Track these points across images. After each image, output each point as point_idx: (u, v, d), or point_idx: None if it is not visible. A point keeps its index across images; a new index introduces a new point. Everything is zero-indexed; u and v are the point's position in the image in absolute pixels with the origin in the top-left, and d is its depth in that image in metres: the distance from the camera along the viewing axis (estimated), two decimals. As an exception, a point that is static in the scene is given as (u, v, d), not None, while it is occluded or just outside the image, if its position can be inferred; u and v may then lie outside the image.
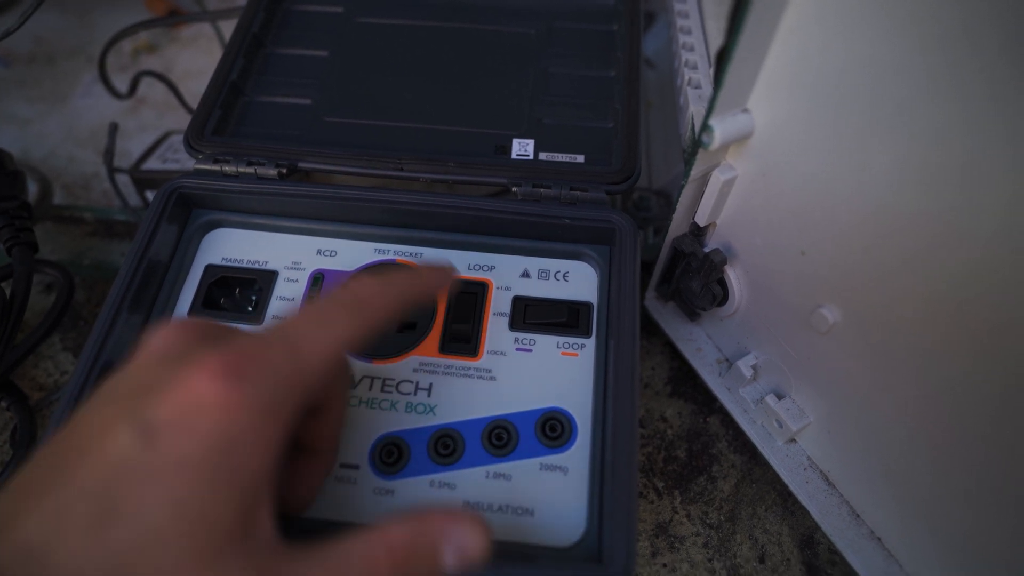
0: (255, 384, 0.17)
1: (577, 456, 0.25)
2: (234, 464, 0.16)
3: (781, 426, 0.28)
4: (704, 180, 0.27)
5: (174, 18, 0.47)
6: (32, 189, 0.41)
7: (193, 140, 0.31)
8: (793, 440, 0.29)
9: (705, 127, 0.24)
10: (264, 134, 0.33)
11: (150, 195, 0.39)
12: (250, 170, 0.30)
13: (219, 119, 0.32)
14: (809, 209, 0.23)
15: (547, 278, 0.30)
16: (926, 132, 0.19)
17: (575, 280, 0.30)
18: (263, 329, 0.19)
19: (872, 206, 0.21)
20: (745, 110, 0.24)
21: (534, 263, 0.30)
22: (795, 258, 0.25)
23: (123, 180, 0.40)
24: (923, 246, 0.20)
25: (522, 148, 0.32)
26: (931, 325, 0.21)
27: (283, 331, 0.19)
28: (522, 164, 0.31)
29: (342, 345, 0.19)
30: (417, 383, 0.27)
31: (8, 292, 0.30)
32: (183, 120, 0.45)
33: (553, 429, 0.26)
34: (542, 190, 0.30)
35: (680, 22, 0.35)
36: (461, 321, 0.29)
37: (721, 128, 0.23)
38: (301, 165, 0.31)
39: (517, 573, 0.21)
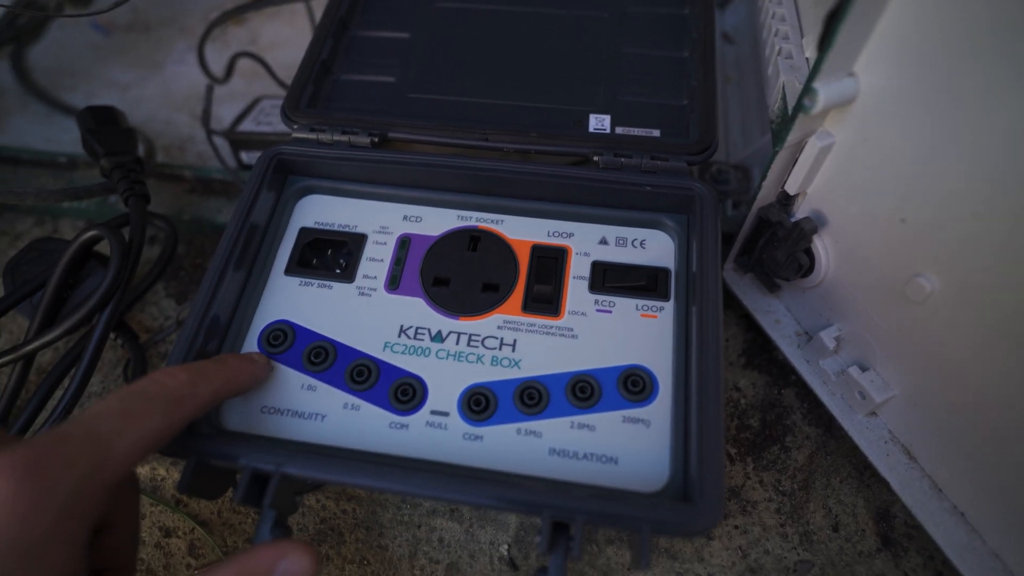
0: (52, 480, 0.15)
1: (659, 410, 0.26)
2: (36, 568, 0.15)
3: (863, 398, 0.28)
4: (798, 147, 0.27)
5: (268, 3, 0.49)
6: (139, 148, 0.44)
7: (290, 112, 0.33)
8: (874, 413, 0.29)
9: (808, 90, 0.23)
10: (352, 108, 0.35)
11: (245, 155, 0.42)
12: (344, 138, 0.32)
13: (312, 94, 0.34)
14: (914, 176, 0.23)
15: (624, 245, 0.31)
16: (1051, 94, 0.18)
17: (652, 247, 0.31)
18: (71, 420, 0.18)
19: (985, 170, 0.21)
20: (851, 74, 0.24)
21: (611, 231, 0.31)
22: (894, 226, 0.24)
23: (218, 141, 0.42)
24: (1038, 212, 0.20)
25: (599, 123, 0.33)
26: (1040, 294, 0.21)
27: (86, 423, 0.18)
28: (601, 137, 0.32)
29: (149, 441, 0.19)
30: (502, 339, 0.28)
31: (127, 238, 0.32)
32: (270, 87, 0.47)
33: (635, 384, 0.27)
34: (623, 159, 0.30)
35: (770, -8, 0.35)
36: (543, 282, 0.30)
37: (825, 92, 0.23)
38: (391, 135, 0.32)
39: (613, 507, 0.22)
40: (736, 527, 0.30)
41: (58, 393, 0.31)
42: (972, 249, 0.22)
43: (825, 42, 0.22)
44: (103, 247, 0.32)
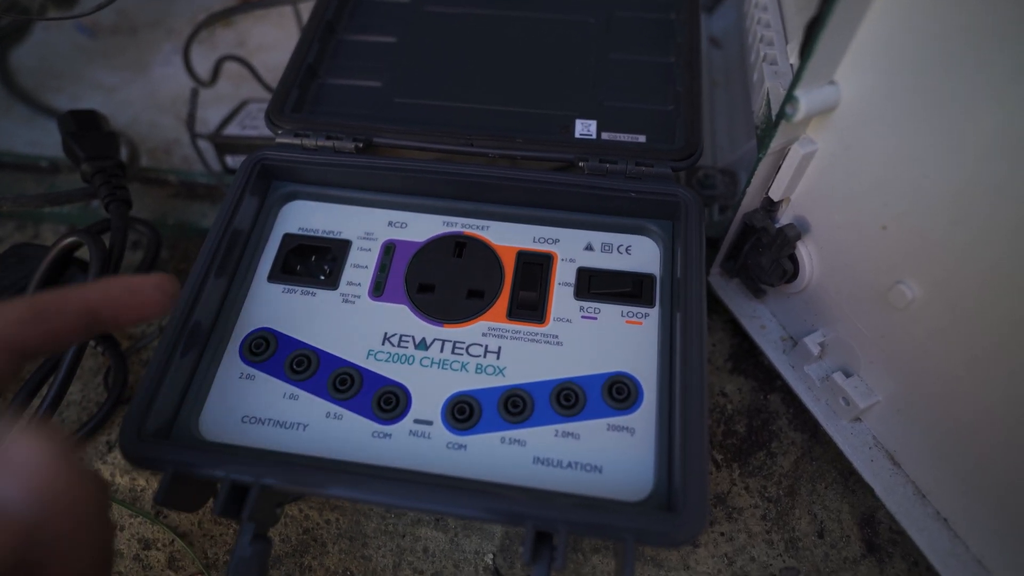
0: None
1: (643, 418, 0.26)
2: None
3: (847, 404, 0.28)
4: (781, 154, 0.27)
5: (255, 6, 0.48)
6: (122, 152, 0.43)
7: (274, 116, 0.32)
8: (858, 419, 0.29)
9: (790, 98, 0.23)
10: (338, 113, 0.34)
11: (230, 159, 0.41)
12: (328, 144, 0.32)
13: (296, 98, 0.34)
14: (894, 183, 0.23)
15: (610, 251, 0.31)
16: (1029, 103, 0.18)
17: (637, 253, 0.31)
18: None
19: (963, 178, 0.21)
20: (832, 82, 0.24)
21: (597, 237, 0.31)
22: (875, 233, 0.24)
23: (203, 145, 0.42)
24: (1016, 218, 0.20)
25: (585, 128, 0.33)
26: (1019, 300, 0.21)
27: None
28: (587, 142, 0.32)
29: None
30: (486, 346, 0.28)
31: (107, 244, 0.32)
32: (257, 90, 0.47)
33: (620, 392, 0.26)
34: (608, 165, 0.30)
35: (756, -3, 0.35)
36: (528, 289, 0.29)
37: (807, 99, 0.23)
38: (376, 140, 0.32)
39: (596, 517, 0.22)
40: (722, 534, 0.30)
41: (35, 402, 0.31)
42: (952, 257, 0.22)
43: (806, 50, 0.22)
44: (84, 252, 0.32)
